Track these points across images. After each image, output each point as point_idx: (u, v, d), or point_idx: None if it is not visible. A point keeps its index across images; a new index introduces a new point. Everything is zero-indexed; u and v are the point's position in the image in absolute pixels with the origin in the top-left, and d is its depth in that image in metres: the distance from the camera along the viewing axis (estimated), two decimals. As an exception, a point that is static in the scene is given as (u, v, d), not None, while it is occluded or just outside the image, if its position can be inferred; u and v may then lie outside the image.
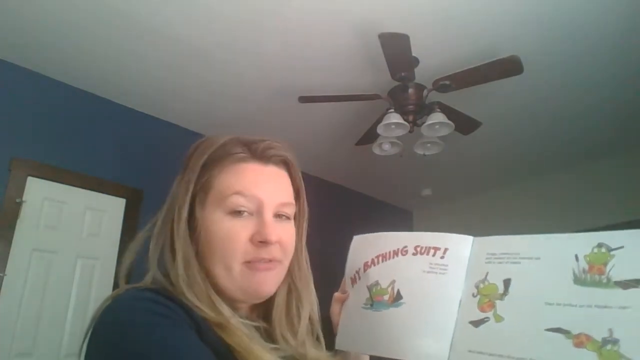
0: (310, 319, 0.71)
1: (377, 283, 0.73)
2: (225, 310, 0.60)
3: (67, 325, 2.73)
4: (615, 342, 0.49)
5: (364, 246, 0.79)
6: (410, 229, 5.42)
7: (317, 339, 0.72)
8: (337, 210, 4.31)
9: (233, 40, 2.65)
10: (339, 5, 2.38)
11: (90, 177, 3.00)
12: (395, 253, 0.73)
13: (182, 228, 0.64)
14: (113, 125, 3.23)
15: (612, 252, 0.54)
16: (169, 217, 0.66)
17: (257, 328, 0.63)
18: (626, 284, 0.52)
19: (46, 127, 2.91)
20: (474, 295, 0.63)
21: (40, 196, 2.78)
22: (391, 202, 5.24)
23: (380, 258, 0.75)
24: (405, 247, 0.73)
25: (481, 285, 0.63)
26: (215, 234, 0.63)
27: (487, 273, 0.63)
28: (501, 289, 0.60)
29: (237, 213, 0.63)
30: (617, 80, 3.00)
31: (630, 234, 0.55)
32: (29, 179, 2.76)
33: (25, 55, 2.78)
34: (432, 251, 0.69)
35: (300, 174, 0.72)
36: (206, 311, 0.58)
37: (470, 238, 0.69)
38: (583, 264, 0.56)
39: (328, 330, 0.74)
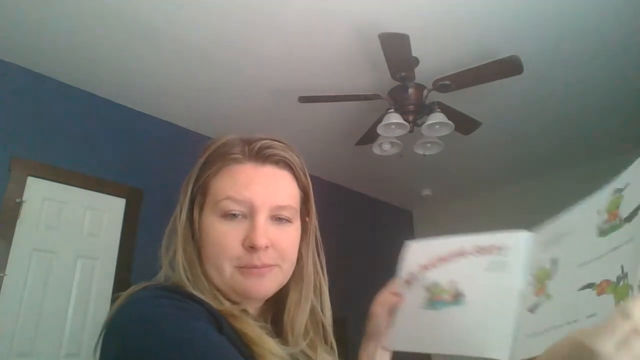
0: (322, 324, 0.69)
1: (436, 284, 0.74)
2: (228, 305, 0.60)
3: (67, 325, 2.73)
4: (625, 276, 0.49)
5: (420, 250, 0.82)
6: (410, 228, 5.42)
7: (330, 345, 0.70)
8: (337, 210, 4.31)
9: (233, 40, 2.65)
10: (339, 6, 2.38)
11: (90, 177, 3.00)
12: (455, 255, 0.75)
13: (183, 229, 0.64)
14: (113, 125, 3.23)
15: (622, 193, 0.55)
16: (174, 217, 0.66)
17: (264, 327, 0.63)
18: (630, 217, 0.52)
19: (46, 127, 2.91)
20: (530, 284, 0.64)
21: (40, 196, 2.78)
22: (391, 202, 5.24)
23: (438, 260, 0.76)
24: (464, 248, 0.75)
25: (535, 273, 0.65)
26: (209, 237, 0.62)
27: (540, 260, 0.65)
28: (550, 270, 0.62)
29: (230, 216, 0.62)
30: (617, 79, 3.00)
31: (634, 168, 0.56)
32: (29, 179, 2.76)
33: (25, 55, 2.78)
34: (491, 250, 0.71)
35: (306, 175, 0.69)
36: (220, 302, 0.58)
37: (527, 233, 0.71)
38: (603, 216, 0.57)
39: (339, 334, 0.74)
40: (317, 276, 0.71)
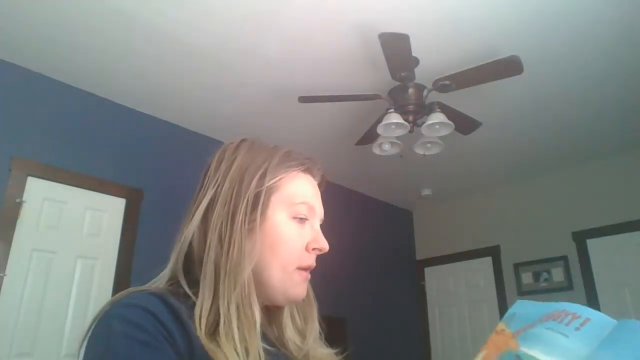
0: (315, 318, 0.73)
1: None
2: (257, 312, 0.61)
3: (67, 325, 2.73)
4: None
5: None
6: (410, 228, 5.42)
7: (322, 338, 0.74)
8: (337, 210, 4.31)
9: (233, 40, 2.65)
10: (339, 6, 2.38)
11: (90, 177, 3.00)
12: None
13: (244, 227, 0.63)
14: (113, 125, 3.23)
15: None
16: (216, 215, 0.64)
17: (263, 334, 0.63)
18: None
19: (46, 127, 2.92)
20: None
21: (40, 196, 2.78)
22: (391, 202, 5.24)
23: None
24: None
25: None
26: (280, 235, 0.65)
27: None
28: None
29: (299, 220, 0.68)
30: (617, 79, 3.00)
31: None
32: (29, 179, 2.76)
33: (25, 55, 2.78)
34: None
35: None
36: (201, 336, 0.56)
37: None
38: None
39: (339, 334, 0.74)
40: None
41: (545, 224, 4.35)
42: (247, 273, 0.61)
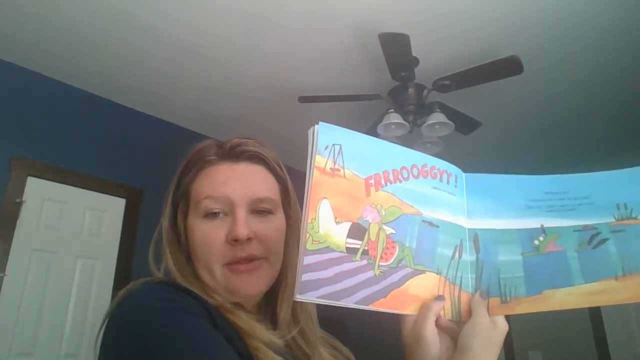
0: (312, 316, 0.70)
1: None
2: (221, 300, 0.62)
3: (67, 325, 2.73)
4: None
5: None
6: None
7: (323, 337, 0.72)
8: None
9: (233, 40, 2.65)
10: (339, 5, 2.38)
11: (90, 177, 3.00)
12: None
13: (168, 236, 0.66)
14: (113, 125, 3.23)
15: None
16: (160, 226, 0.69)
17: (259, 320, 0.63)
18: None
19: (46, 127, 2.91)
20: None
21: (40, 196, 2.78)
22: (391, 202, 5.24)
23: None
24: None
25: None
26: (195, 239, 0.64)
27: None
28: None
29: (211, 215, 0.64)
30: (617, 79, 3.00)
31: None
32: (29, 179, 2.76)
33: (25, 55, 2.78)
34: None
35: (282, 168, 0.71)
36: (214, 297, 0.59)
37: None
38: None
39: (338, 334, 0.74)
40: None
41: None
42: (191, 282, 0.63)
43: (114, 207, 3.09)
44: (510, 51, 2.49)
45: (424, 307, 0.55)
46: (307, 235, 0.50)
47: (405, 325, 0.56)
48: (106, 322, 0.55)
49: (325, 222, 0.52)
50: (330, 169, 0.55)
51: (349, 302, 0.51)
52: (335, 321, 0.77)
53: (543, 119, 3.47)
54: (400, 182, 0.59)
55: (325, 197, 0.53)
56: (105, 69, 2.92)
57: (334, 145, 0.57)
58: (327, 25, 2.54)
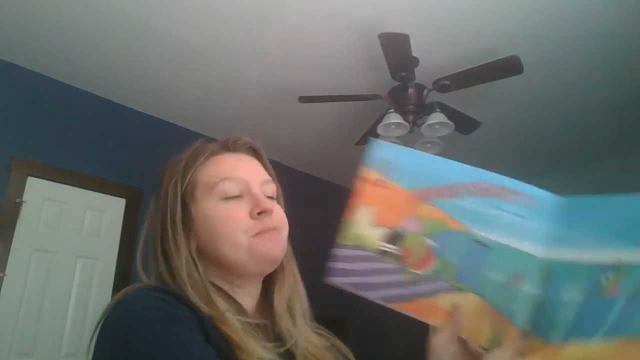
0: (305, 311, 0.73)
1: None
2: (220, 304, 0.61)
3: (67, 325, 2.73)
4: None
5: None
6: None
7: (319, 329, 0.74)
8: (337, 211, 4.30)
9: (233, 40, 2.65)
10: (339, 5, 2.38)
11: (90, 177, 3.00)
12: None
13: (178, 228, 0.66)
14: (113, 126, 3.23)
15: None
16: (158, 221, 0.70)
17: (258, 325, 0.64)
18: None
19: (46, 127, 2.91)
20: None
21: (40, 196, 2.78)
22: (391, 202, 5.24)
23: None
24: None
25: None
26: (215, 219, 0.66)
27: None
28: None
29: (230, 198, 0.67)
30: (618, 79, 3.00)
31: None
32: (29, 179, 2.76)
33: (26, 55, 2.78)
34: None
35: (269, 162, 0.76)
36: (204, 307, 0.59)
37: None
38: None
39: (338, 334, 0.74)
40: (293, 258, 0.76)
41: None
42: (196, 274, 0.63)
43: (113, 207, 3.09)
44: (510, 51, 2.48)
45: (456, 324, 0.55)
46: (343, 231, 0.55)
47: (435, 336, 0.58)
48: (100, 324, 0.56)
49: (362, 225, 0.56)
50: (378, 180, 0.58)
51: (372, 296, 0.54)
52: (333, 320, 0.78)
53: (543, 119, 3.47)
54: (452, 198, 0.58)
55: (367, 203, 0.57)
56: (105, 69, 2.92)
57: (384, 159, 0.60)
58: (327, 26, 2.54)
